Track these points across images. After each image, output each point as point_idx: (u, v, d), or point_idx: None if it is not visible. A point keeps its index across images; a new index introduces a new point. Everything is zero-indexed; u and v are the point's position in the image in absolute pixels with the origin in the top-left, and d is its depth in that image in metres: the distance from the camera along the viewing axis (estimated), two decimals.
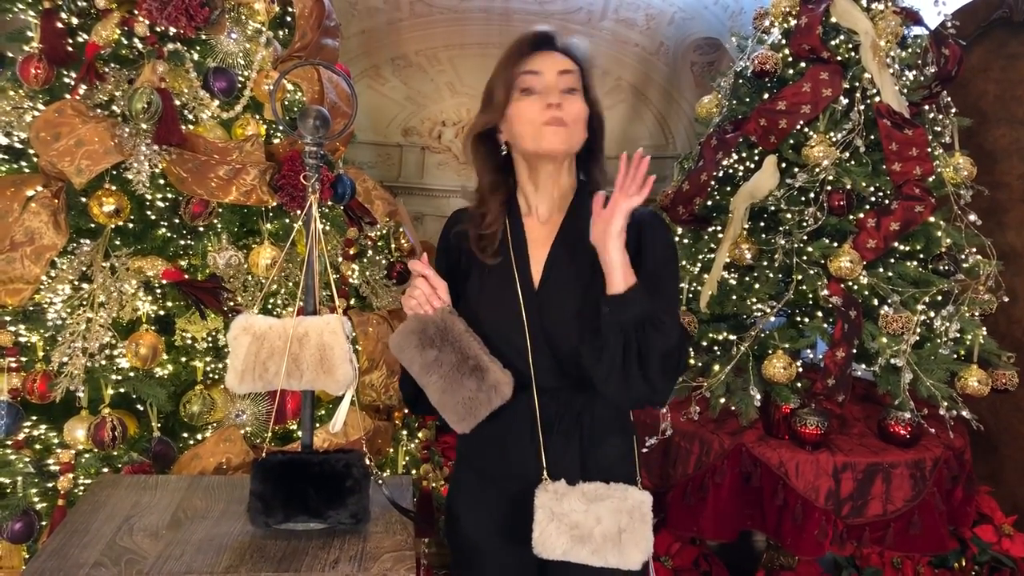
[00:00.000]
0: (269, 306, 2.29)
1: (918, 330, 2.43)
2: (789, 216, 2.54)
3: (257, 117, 2.28)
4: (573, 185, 1.65)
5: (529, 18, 3.18)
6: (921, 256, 2.60)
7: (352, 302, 2.42)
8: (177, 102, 2.13)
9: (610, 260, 1.45)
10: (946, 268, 2.54)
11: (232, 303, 2.17)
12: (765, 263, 2.57)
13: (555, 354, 1.56)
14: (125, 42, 2.13)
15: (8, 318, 2.05)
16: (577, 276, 1.57)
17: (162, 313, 2.18)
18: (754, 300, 2.53)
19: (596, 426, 1.60)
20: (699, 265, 2.72)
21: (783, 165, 2.59)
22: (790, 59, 2.65)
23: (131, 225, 2.15)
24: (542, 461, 1.56)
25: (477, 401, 1.51)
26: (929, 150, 2.50)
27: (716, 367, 2.54)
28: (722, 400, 2.50)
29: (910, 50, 2.64)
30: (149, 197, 2.14)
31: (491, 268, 1.62)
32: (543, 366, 1.57)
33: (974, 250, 2.63)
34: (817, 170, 2.48)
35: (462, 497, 1.74)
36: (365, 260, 2.50)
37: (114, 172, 2.08)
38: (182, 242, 2.22)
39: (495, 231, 1.62)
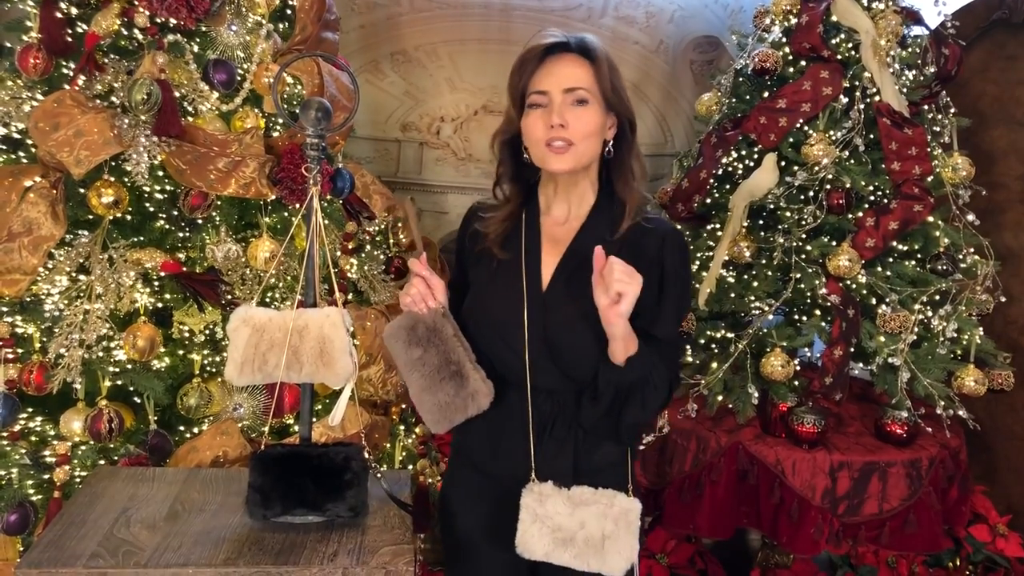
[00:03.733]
0: (267, 300, 2.28)
1: (915, 329, 2.44)
2: (788, 214, 2.54)
3: (256, 110, 2.28)
4: (595, 187, 1.63)
5: (529, 15, 3.18)
6: (919, 256, 2.60)
7: (350, 297, 2.42)
8: (177, 94, 2.12)
9: (612, 333, 1.44)
10: (944, 268, 2.54)
11: (230, 296, 2.16)
12: (764, 261, 2.57)
13: (554, 357, 1.55)
14: (125, 33, 2.12)
15: (5, 309, 2.05)
16: (587, 285, 1.53)
17: (160, 305, 2.17)
18: (752, 298, 2.52)
19: (588, 433, 1.60)
20: (698, 263, 2.72)
21: (782, 163, 2.59)
22: (790, 57, 2.65)
23: (129, 217, 2.15)
24: (531, 462, 1.56)
25: (453, 407, 1.52)
26: (928, 150, 2.51)
27: (714, 365, 2.53)
28: (719, 398, 2.50)
29: (910, 50, 2.64)
30: (148, 189, 2.14)
31: (501, 262, 1.61)
32: (541, 368, 1.56)
33: (972, 250, 2.64)
34: (816, 168, 2.48)
35: (456, 493, 1.74)
36: (363, 255, 2.50)
37: (113, 163, 2.07)
38: (180, 234, 2.21)
39: (508, 226, 1.62)
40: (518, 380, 1.56)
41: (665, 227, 1.59)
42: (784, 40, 2.67)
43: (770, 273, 2.54)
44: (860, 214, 2.50)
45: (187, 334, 2.21)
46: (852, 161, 2.52)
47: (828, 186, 2.49)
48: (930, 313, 2.48)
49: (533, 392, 1.56)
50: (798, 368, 2.50)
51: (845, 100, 2.55)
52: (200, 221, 2.20)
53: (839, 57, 2.58)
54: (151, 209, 2.17)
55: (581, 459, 1.59)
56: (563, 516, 1.49)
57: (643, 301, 1.44)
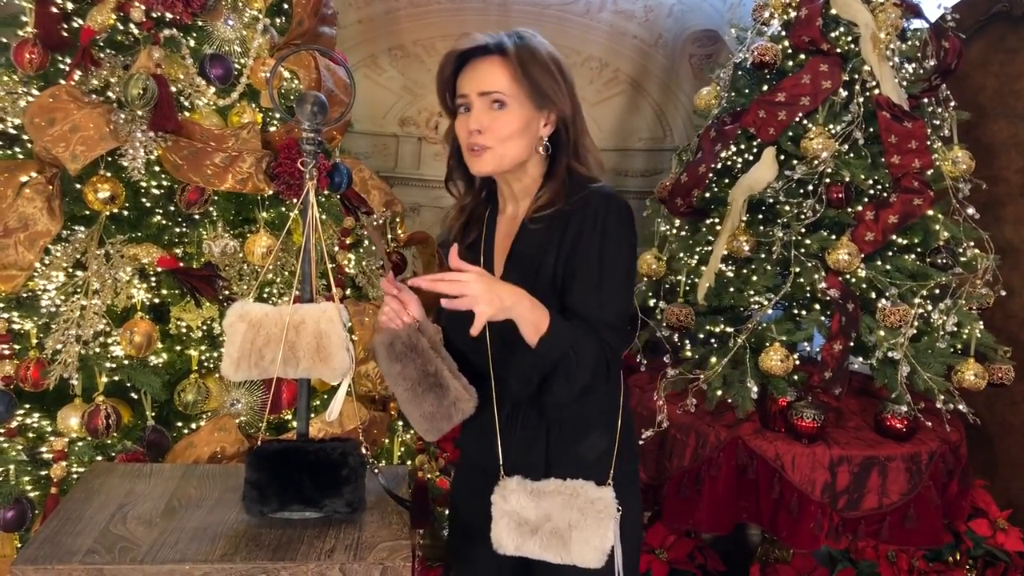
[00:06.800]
0: (265, 295, 2.27)
1: (915, 323, 2.43)
2: (787, 208, 2.53)
3: (253, 105, 2.27)
4: (539, 179, 1.62)
5: (526, 9, 3.17)
6: (919, 249, 2.60)
7: (348, 292, 2.41)
8: (173, 89, 2.11)
9: (513, 319, 1.44)
10: (944, 262, 2.53)
11: (227, 291, 2.16)
12: (763, 255, 2.57)
13: (513, 351, 1.56)
14: (121, 27, 2.11)
15: (1, 305, 2.04)
16: (528, 276, 1.56)
17: (157, 301, 2.16)
18: (751, 292, 2.52)
19: (566, 424, 1.61)
20: (697, 257, 2.71)
21: (782, 157, 2.59)
22: (789, 51, 2.64)
23: (126, 212, 2.14)
24: (499, 456, 1.59)
25: (438, 416, 1.54)
26: (928, 143, 2.50)
27: (713, 359, 2.53)
28: (719, 392, 2.49)
29: (910, 43, 2.64)
30: (144, 184, 2.12)
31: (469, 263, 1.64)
32: (504, 362, 1.59)
33: (972, 244, 2.63)
34: (816, 162, 2.47)
35: (459, 488, 1.79)
36: (361, 250, 2.49)
37: (109, 159, 2.06)
38: (177, 230, 2.20)
39: (469, 227, 1.68)
40: (487, 375, 1.60)
41: (592, 195, 1.54)
42: (783, 34, 2.67)
43: (769, 267, 2.53)
44: (860, 208, 2.49)
45: (184, 330, 2.20)
46: (851, 155, 2.51)
47: (827, 180, 2.48)
48: (930, 307, 2.48)
49: (501, 385, 1.60)
50: (797, 362, 2.49)
51: (844, 94, 2.55)
52: (197, 216, 2.19)
53: (838, 50, 2.57)
54: (148, 204, 2.16)
55: (554, 451, 1.60)
56: (528, 509, 1.51)
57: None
